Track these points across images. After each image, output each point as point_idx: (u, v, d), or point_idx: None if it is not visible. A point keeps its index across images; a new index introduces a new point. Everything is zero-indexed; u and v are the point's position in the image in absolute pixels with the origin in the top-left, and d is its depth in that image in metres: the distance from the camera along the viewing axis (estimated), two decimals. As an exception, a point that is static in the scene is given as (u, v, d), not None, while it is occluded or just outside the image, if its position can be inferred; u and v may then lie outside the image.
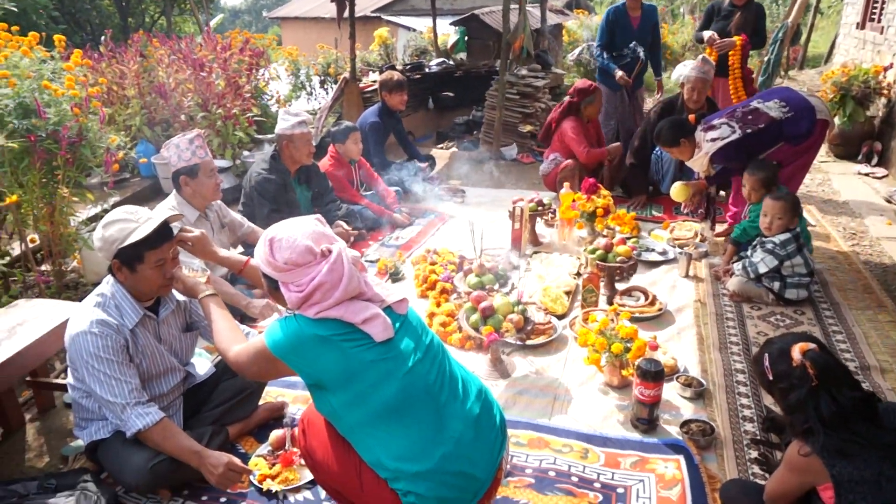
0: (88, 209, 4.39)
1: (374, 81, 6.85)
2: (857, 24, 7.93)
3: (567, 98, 5.02)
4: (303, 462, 2.11)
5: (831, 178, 5.66)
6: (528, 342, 2.94)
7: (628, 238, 3.82)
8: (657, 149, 4.83)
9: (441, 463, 1.65)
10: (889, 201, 4.98)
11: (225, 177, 5.08)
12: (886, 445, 1.60)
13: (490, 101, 6.71)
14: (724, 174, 3.98)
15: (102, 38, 6.03)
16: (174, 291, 2.23)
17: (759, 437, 2.33)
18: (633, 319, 3.04)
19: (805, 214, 3.92)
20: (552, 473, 2.20)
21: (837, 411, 1.64)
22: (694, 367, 2.80)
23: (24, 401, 2.73)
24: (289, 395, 2.71)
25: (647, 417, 2.38)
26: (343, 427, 1.72)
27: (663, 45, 11.34)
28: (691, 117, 4.32)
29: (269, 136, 6.12)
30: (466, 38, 8.77)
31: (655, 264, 3.86)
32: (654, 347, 2.63)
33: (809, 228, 3.79)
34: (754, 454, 2.25)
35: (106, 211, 3.26)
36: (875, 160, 5.89)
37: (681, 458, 2.24)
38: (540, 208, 4.24)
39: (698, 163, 3.83)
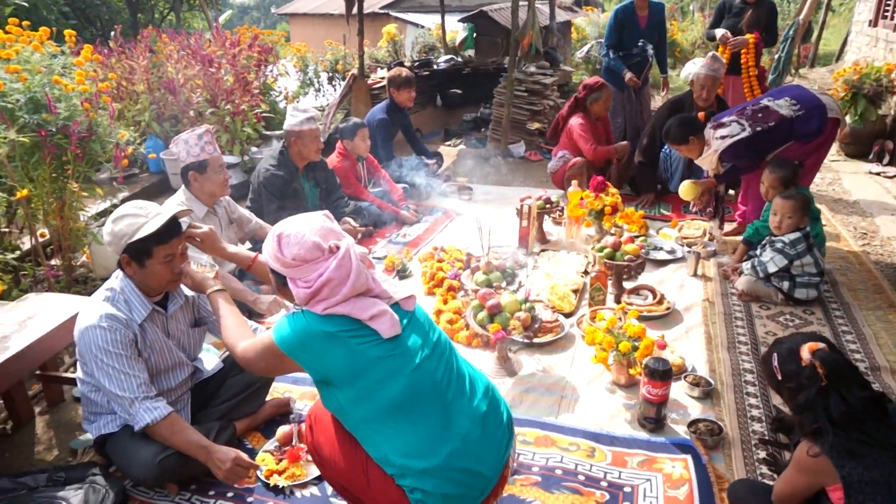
0: (98, 204, 4.41)
1: (383, 78, 6.85)
2: (870, 21, 7.86)
3: (575, 94, 5.01)
4: (310, 458, 2.12)
5: (842, 177, 5.62)
6: (535, 340, 2.94)
7: (636, 236, 3.80)
8: (666, 147, 4.81)
9: (448, 460, 1.65)
10: (900, 201, 4.94)
11: (233, 173, 5.10)
12: (896, 446, 1.59)
13: (498, 99, 6.69)
14: (733, 172, 3.96)
15: (112, 33, 6.06)
16: (182, 287, 2.24)
17: (767, 438, 2.32)
18: (641, 318, 3.02)
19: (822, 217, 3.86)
20: (559, 472, 2.19)
21: (847, 411, 1.62)
22: (702, 367, 2.79)
23: (34, 394, 2.75)
24: (296, 391, 2.71)
25: (655, 416, 2.37)
26: (350, 423, 1.73)
27: (673, 43, 11.32)
28: (701, 115, 4.30)
29: (278, 132, 6.14)
30: (475, 34, 8.76)
31: (663, 263, 3.84)
32: (662, 346, 2.62)
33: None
34: (762, 454, 2.24)
35: (115, 206, 3.26)
36: (886, 159, 5.84)
37: (688, 457, 2.23)
38: (548, 206, 4.23)
39: (707, 160, 3.81)
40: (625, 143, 5.06)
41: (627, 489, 2.11)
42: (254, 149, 5.87)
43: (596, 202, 3.98)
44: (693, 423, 2.38)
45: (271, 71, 6.89)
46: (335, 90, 8.32)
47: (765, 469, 2.17)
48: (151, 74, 5.58)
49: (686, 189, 4.05)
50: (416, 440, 1.66)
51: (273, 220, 3.35)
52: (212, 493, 2.15)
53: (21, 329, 2.36)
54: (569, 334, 3.07)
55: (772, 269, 3.27)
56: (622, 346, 2.55)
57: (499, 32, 8.36)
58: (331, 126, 6.33)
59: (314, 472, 2.14)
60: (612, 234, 3.73)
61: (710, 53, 4.59)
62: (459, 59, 8.27)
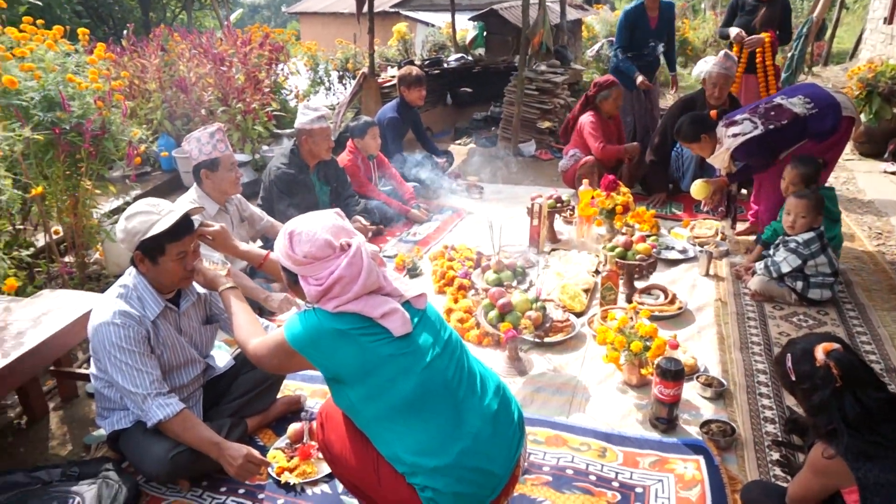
0: (111, 202, 4.45)
1: (393, 77, 6.85)
2: (885, 18, 7.77)
3: (585, 93, 5.00)
4: (320, 455, 2.12)
5: (856, 176, 5.56)
6: (546, 339, 2.93)
7: (648, 236, 3.78)
8: (677, 146, 4.78)
9: (459, 458, 1.65)
10: (916, 201, 4.88)
11: (244, 171, 5.12)
12: (913, 448, 1.57)
13: (508, 97, 6.68)
14: (745, 171, 3.92)
15: (125, 32, 6.09)
16: (195, 284, 2.25)
17: (780, 439, 2.30)
18: (653, 318, 3.00)
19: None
20: (570, 472, 2.19)
21: (862, 413, 1.61)
22: (714, 367, 2.77)
23: (48, 390, 2.77)
24: (307, 388, 2.72)
25: (667, 417, 2.35)
26: (361, 421, 1.73)
27: (684, 41, 11.25)
28: (713, 113, 4.27)
29: (288, 130, 6.16)
30: (485, 33, 8.74)
31: (675, 262, 3.82)
32: (675, 346, 2.61)
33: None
34: (776, 456, 2.22)
35: (128, 204, 3.29)
36: (902, 158, 5.78)
37: (701, 458, 2.21)
38: (558, 205, 4.22)
39: (719, 159, 3.78)
40: (635, 144, 5.02)
41: (639, 490, 2.10)
42: (265, 147, 5.89)
43: (607, 201, 3.96)
44: (705, 424, 2.36)
45: (282, 69, 6.91)
46: (345, 89, 8.33)
47: (778, 471, 2.16)
48: (163, 73, 5.62)
49: (698, 188, 4.02)
50: (427, 438, 1.66)
51: (284, 218, 3.36)
52: (223, 489, 2.16)
53: (36, 325, 2.38)
54: (580, 334, 3.06)
55: (785, 269, 3.24)
56: (634, 345, 2.53)
57: (509, 31, 8.34)
58: (341, 125, 6.34)
59: (325, 469, 2.14)
60: (623, 234, 3.71)
61: (723, 51, 4.55)
62: (470, 58, 8.25)
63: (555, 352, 2.94)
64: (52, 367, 2.67)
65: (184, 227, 2.07)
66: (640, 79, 5.28)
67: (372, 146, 4.60)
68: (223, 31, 6.80)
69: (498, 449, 1.73)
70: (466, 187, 5.27)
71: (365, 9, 6.84)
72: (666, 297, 3.31)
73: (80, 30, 3.73)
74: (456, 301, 3.30)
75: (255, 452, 2.03)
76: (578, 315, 3.22)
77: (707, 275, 3.64)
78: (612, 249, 3.39)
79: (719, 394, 2.56)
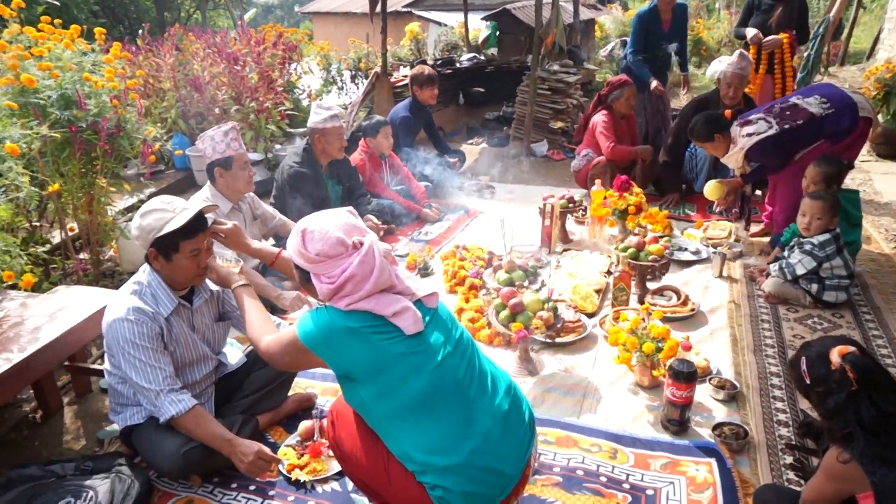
0: (125, 199, 4.49)
1: (405, 76, 6.86)
2: (904, 19, 7.66)
3: (598, 92, 4.98)
4: (331, 453, 2.13)
5: (873, 177, 5.49)
6: (558, 340, 2.92)
7: (661, 237, 3.76)
8: (691, 146, 4.75)
9: (469, 458, 1.64)
10: (934, 203, 4.81)
11: (257, 170, 5.14)
12: (930, 453, 1.55)
13: (521, 97, 6.66)
14: (760, 172, 3.89)
15: (140, 31, 6.16)
16: (208, 281, 2.26)
17: (794, 443, 2.27)
18: (665, 319, 2.98)
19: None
20: (580, 472, 2.18)
21: (878, 417, 1.59)
22: (727, 369, 2.75)
23: (62, 385, 2.80)
24: (318, 386, 2.73)
25: (679, 419, 2.34)
26: (372, 419, 1.73)
27: (698, 41, 11.15)
28: (727, 113, 4.23)
29: (301, 129, 6.18)
30: (498, 33, 8.73)
31: (688, 264, 3.79)
32: (687, 348, 2.59)
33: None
34: (789, 459, 2.20)
35: (142, 201, 3.31)
36: (920, 160, 5.70)
37: (713, 461, 2.19)
38: (571, 205, 4.20)
39: (733, 158, 3.75)
40: (648, 146, 4.97)
41: (650, 492, 2.08)
42: (277, 146, 5.92)
43: (620, 202, 3.94)
44: (718, 427, 2.34)
45: (295, 69, 6.94)
46: (358, 88, 8.35)
47: (791, 475, 2.13)
48: (178, 72, 5.66)
49: (711, 189, 3.99)
50: (437, 437, 1.66)
51: (296, 216, 3.38)
52: (234, 485, 2.17)
53: (51, 321, 2.40)
54: (591, 334, 3.04)
55: (800, 271, 3.21)
56: (646, 347, 2.52)
57: (522, 30, 8.32)
58: (353, 124, 6.35)
59: (335, 467, 2.15)
60: (635, 234, 3.68)
61: (738, 51, 4.51)
62: (482, 58, 8.24)
63: (566, 352, 2.93)
64: (66, 363, 2.69)
65: (198, 224, 2.08)
66: (654, 84, 5.24)
67: (384, 145, 4.60)
68: (237, 31, 6.84)
69: (508, 449, 1.72)
70: (478, 187, 5.26)
71: (378, 8, 6.86)
72: (678, 299, 3.28)
73: (97, 29, 3.77)
74: (467, 300, 3.30)
75: (267, 449, 2.03)
76: (590, 316, 3.20)
77: (720, 276, 3.62)
78: (625, 250, 3.37)
79: (732, 396, 2.54)
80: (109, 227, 3.58)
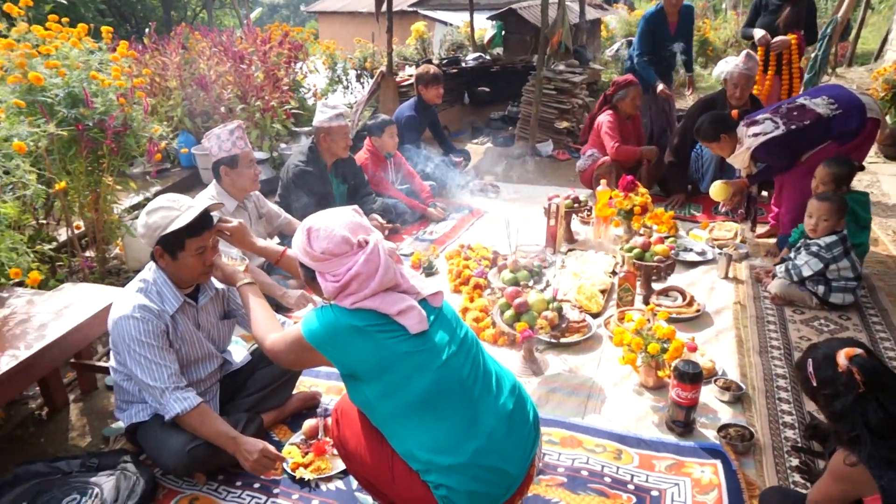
0: (131, 197, 4.51)
1: (411, 76, 6.86)
2: (912, 19, 7.61)
3: (604, 92, 4.97)
4: (335, 452, 2.13)
5: (881, 179, 5.46)
6: (562, 340, 2.91)
7: (666, 237, 3.75)
8: (697, 147, 4.73)
9: (473, 457, 1.64)
10: (942, 205, 4.78)
11: (262, 168, 5.15)
12: (938, 457, 1.54)
13: (526, 97, 6.66)
14: (766, 173, 3.87)
15: (146, 30, 6.17)
16: (213, 279, 2.27)
17: (800, 445, 2.26)
18: (670, 320, 2.98)
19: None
20: (585, 473, 2.17)
21: (886, 419, 1.58)
22: (733, 371, 2.74)
23: (68, 382, 2.82)
24: (322, 385, 2.73)
25: (684, 420, 2.33)
26: (376, 418, 1.73)
27: (705, 41, 11.12)
28: (734, 113, 4.22)
29: (306, 128, 6.19)
30: (503, 32, 8.72)
31: (693, 265, 3.78)
32: (693, 349, 2.58)
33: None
34: (795, 462, 2.18)
35: (148, 200, 3.32)
36: (928, 162, 5.66)
37: (718, 462, 2.19)
38: (576, 205, 4.19)
39: (739, 158, 3.73)
40: (653, 147, 4.95)
41: (655, 493, 2.08)
42: (283, 145, 5.93)
43: (625, 202, 3.93)
44: (723, 428, 2.33)
45: (301, 68, 6.95)
46: (363, 87, 8.36)
47: (797, 477, 2.12)
48: (184, 71, 5.67)
49: (717, 190, 3.98)
50: (441, 436, 1.66)
51: (301, 215, 3.38)
52: (239, 483, 2.17)
53: (57, 318, 2.41)
54: (596, 335, 3.03)
55: (806, 272, 3.19)
56: (651, 347, 2.51)
57: (528, 30, 8.31)
58: (359, 123, 6.36)
59: (339, 465, 2.15)
60: (641, 235, 3.68)
61: (745, 52, 4.49)
62: (488, 57, 8.24)
63: (571, 352, 2.92)
64: (72, 360, 2.70)
65: (203, 222, 2.09)
66: (660, 87, 5.22)
67: (389, 144, 4.60)
68: (243, 30, 6.85)
69: (513, 448, 1.72)
70: (483, 187, 5.26)
71: (384, 8, 6.86)
72: (684, 300, 3.27)
73: (104, 28, 3.78)
74: (471, 300, 3.29)
75: (271, 447, 2.04)
76: (595, 316, 3.20)
77: (726, 277, 3.60)
78: (630, 250, 3.36)
79: (737, 398, 2.53)
80: (115, 224, 3.59)
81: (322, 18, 20.06)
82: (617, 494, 2.07)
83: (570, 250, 4.02)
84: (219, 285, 2.33)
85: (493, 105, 8.09)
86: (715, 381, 2.60)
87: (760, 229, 4.24)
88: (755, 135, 3.60)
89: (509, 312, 2.76)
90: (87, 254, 3.72)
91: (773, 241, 4.03)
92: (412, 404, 1.66)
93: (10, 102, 2.87)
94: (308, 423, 2.36)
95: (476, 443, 1.65)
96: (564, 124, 6.60)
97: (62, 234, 3.71)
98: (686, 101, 7.44)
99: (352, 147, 4.19)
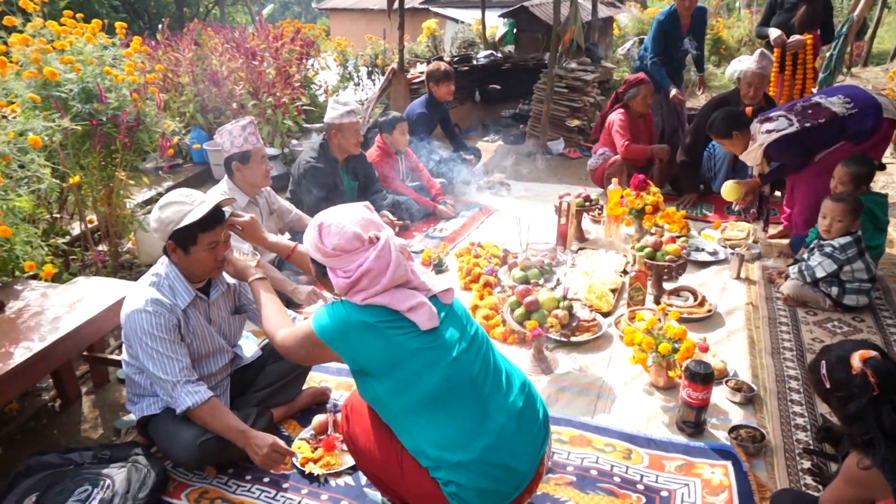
0: (143, 192, 4.54)
1: (422, 73, 6.86)
2: (930, 19, 7.51)
3: (616, 90, 4.94)
4: (345, 447, 2.14)
5: (896, 180, 5.40)
6: (572, 339, 2.90)
7: (678, 237, 3.72)
8: (710, 146, 4.70)
9: (483, 454, 1.64)
10: (959, 206, 4.71)
11: (273, 164, 5.17)
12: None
13: (538, 95, 6.63)
14: (778, 172, 3.84)
15: (159, 26, 6.20)
16: (225, 274, 2.28)
17: (812, 447, 2.24)
18: (681, 320, 2.96)
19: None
20: (594, 472, 2.16)
21: (900, 423, 1.56)
22: (744, 372, 2.72)
23: (81, 374, 2.84)
24: (332, 380, 2.74)
25: (694, 421, 2.31)
26: (386, 414, 1.73)
27: (718, 40, 11.04)
28: (748, 110, 4.18)
29: (317, 125, 6.20)
30: (515, 30, 8.69)
31: (705, 265, 3.75)
32: (705, 349, 2.56)
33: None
34: (807, 464, 2.17)
35: (160, 195, 3.33)
36: (944, 163, 5.59)
37: (728, 464, 2.17)
38: (587, 204, 4.18)
39: (751, 155, 3.70)
40: (664, 146, 4.92)
41: (664, 493, 2.07)
42: (294, 141, 5.95)
43: (636, 201, 3.91)
44: (734, 429, 2.32)
45: (312, 65, 6.96)
46: (374, 85, 8.36)
47: (809, 479, 2.10)
48: (196, 67, 5.70)
49: (729, 189, 3.94)
50: (451, 433, 1.66)
51: (312, 211, 3.38)
52: (248, 477, 2.18)
53: (71, 311, 2.43)
54: (606, 334, 3.02)
55: (820, 273, 3.16)
56: (662, 347, 2.49)
57: (540, 28, 8.28)
58: (370, 120, 6.37)
59: (349, 461, 2.16)
60: (652, 234, 3.66)
61: (759, 50, 4.45)
62: (499, 55, 8.21)
63: (581, 351, 2.91)
64: (85, 353, 2.73)
65: (215, 217, 2.10)
66: (673, 92, 5.17)
67: (400, 141, 4.60)
68: (255, 26, 6.88)
69: (522, 446, 1.72)
70: (493, 184, 5.25)
71: (395, 5, 6.85)
72: (695, 300, 3.25)
73: (118, 24, 3.80)
74: (481, 298, 3.29)
75: (281, 442, 2.05)
76: (605, 315, 3.18)
77: (738, 278, 3.58)
78: (641, 249, 3.34)
79: (749, 399, 2.51)
80: (128, 219, 3.61)
81: (333, 15, 20.08)
82: (626, 494, 2.07)
83: (580, 249, 4.01)
84: (230, 280, 2.34)
85: (504, 103, 8.07)
86: (726, 381, 2.58)
87: (773, 230, 4.20)
88: (768, 131, 3.57)
89: (519, 310, 2.76)
90: (100, 248, 3.75)
91: (785, 241, 3.99)
92: (422, 401, 1.66)
93: (26, 97, 2.90)
94: (318, 419, 2.37)
95: (486, 440, 1.65)
96: (576, 122, 6.57)
97: (75, 228, 3.74)
98: (698, 101, 7.39)
99: (362, 144, 4.19)
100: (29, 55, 3.10)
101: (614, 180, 4.27)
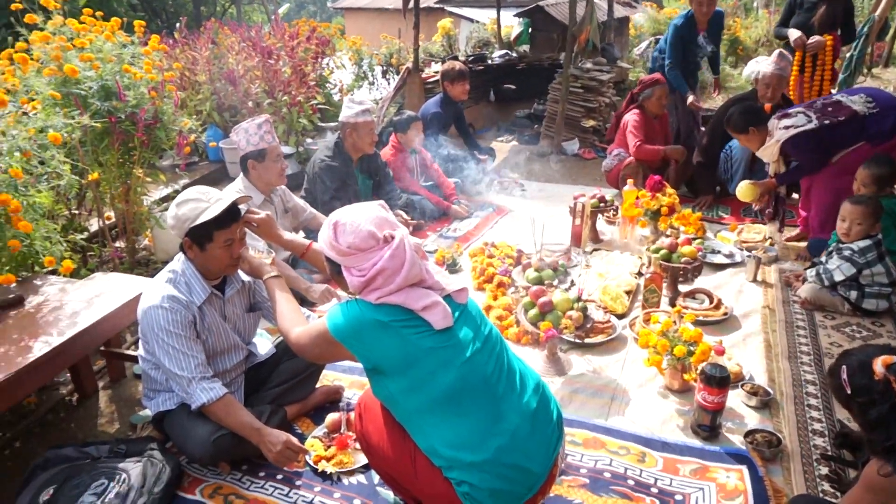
0: (160, 190, 4.58)
1: (436, 72, 6.86)
2: (953, 19, 7.39)
3: (630, 90, 4.91)
4: (358, 446, 2.14)
5: (917, 183, 5.31)
6: (587, 340, 2.88)
7: (693, 239, 3.69)
8: (726, 147, 4.65)
9: (496, 455, 1.64)
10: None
11: (288, 163, 5.19)
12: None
13: (553, 95, 6.60)
14: (795, 173, 3.79)
15: (177, 25, 6.26)
16: (240, 272, 2.29)
17: (830, 453, 2.21)
18: (697, 323, 2.93)
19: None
20: (607, 475, 2.15)
21: (922, 430, 1.53)
22: (760, 376, 2.69)
23: (98, 369, 2.87)
24: (345, 379, 2.75)
25: (710, 424, 2.29)
26: (400, 413, 1.73)
27: (735, 41, 10.93)
28: (767, 106, 4.13)
29: (332, 124, 6.23)
30: (530, 30, 8.66)
31: (721, 267, 3.72)
32: (721, 352, 2.53)
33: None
34: (824, 470, 2.14)
35: (177, 192, 3.36)
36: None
37: (744, 468, 2.15)
38: (602, 205, 4.15)
39: (768, 151, 3.66)
40: (678, 147, 4.86)
41: (679, 497, 2.05)
42: (309, 140, 5.97)
43: (652, 202, 3.88)
44: (750, 434, 2.29)
45: (327, 64, 6.99)
46: (389, 84, 8.38)
47: (827, 486, 2.07)
48: (213, 65, 5.74)
49: (744, 190, 3.90)
50: (465, 433, 1.65)
51: (327, 210, 3.39)
52: (262, 474, 2.19)
53: (89, 306, 2.46)
54: (620, 336, 3.00)
55: (838, 277, 3.12)
56: (677, 350, 2.47)
57: (555, 28, 8.25)
58: (384, 119, 6.38)
59: (362, 460, 2.16)
60: (667, 236, 3.62)
61: (777, 51, 4.40)
62: (514, 55, 8.19)
63: (595, 353, 2.90)
64: (102, 348, 2.76)
65: (231, 215, 2.11)
66: (690, 99, 5.12)
67: (415, 141, 4.61)
68: (271, 25, 6.92)
69: (536, 447, 1.71)
70: (508, 184, 5.23)
71: (410, 4, 6.86)
72: (711, 302, 3.22)
73: (136, 22, 3.84)
74: (495, 298, 3.28)
75: (294, 440, 2.06)
76: (620, 317, 3.16)
77: (754, 281, 3.54)
78: (657, 251, 3.32)
79: (765, 403, 2.48)
80: (145, 216, 3.65)
81: (349, 14, 20.15)
82: (640, 498, 2.05)
83: (595, 250, 3.99)
84: (245, 278, 2.36)
85: (518, 103, 8.04)
86: (742, 385, 2.55)
87: (790, 233, 4.15)
88: (786, 127, 3.53)
89: (533, 311, 2.74)
90: (117, 244, 3.79)
91: (803, 244, 3.94)
92: (436, 400, 1.66)
93: (46, 94, 2.94)
94: (331, 417, 2.37)
95: (499, 440, 1.65)
96: (591, 123, 6.54)
97: (93, 225, 3.78)
98: (714, 102, 7.32)
99: (377, 143, 4.20)
100: (49, 53, 3.14)
101: (630, 181, 4.24)
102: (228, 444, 2.08)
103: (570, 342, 2.91)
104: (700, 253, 3.34)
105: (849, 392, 1.69)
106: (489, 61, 7.89)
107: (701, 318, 3.06)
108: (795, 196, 4.50)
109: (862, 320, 3.11)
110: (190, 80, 5.74)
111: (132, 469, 2.03)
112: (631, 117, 4.77)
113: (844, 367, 1.71)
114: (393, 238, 1.68)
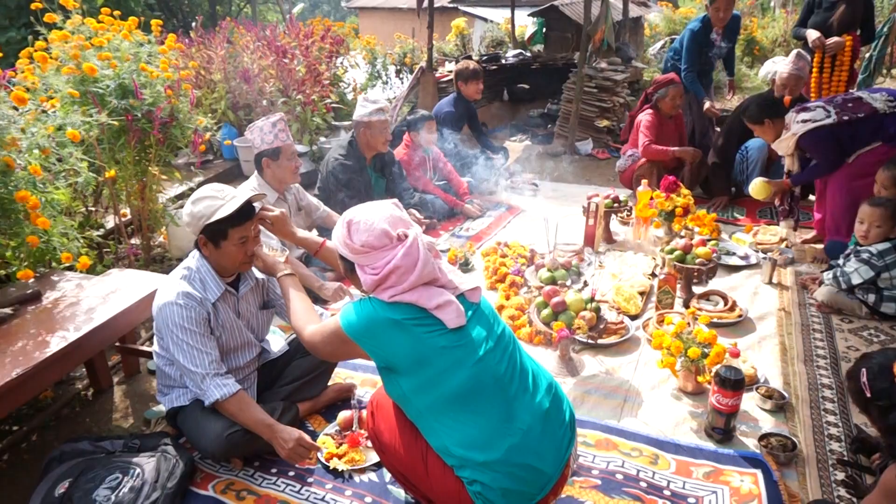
0: (175, 187, 4.62)
1: (450, 72, 6.86)
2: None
3: (645, 90, 4.88)
4: (369, 444, 2.15)
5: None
6: (600, 341, 2.87)
7: (708, 240, 3.65)
8: (742, 148, 4.61)
9: (508, 454, 1.63)
10: None
11: (302, 161, 5.21)
12: None
13: (567, 94, 6.58)
14: (810, 173, 3.75)
15: (193, 24, 6.30)
16: (254, 269, 2.30)
17: (846, 458, 2.18)
18: (711, 325, 2.91)
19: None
20: (619, 476, 2.14)
21: (943, 436, 1.51)
22: (775, 379, 2.66)
23: (113, 365, 2.90)
24: (357, 377, 2.75)
25: (724, 427, 2.27)
26: (412, 411, 1.73)
27: (752, 41, 10.82)
28: (786, 100, 4.08)
29: (346, 122, 6.25)
30: (545, 29, 8.64)
31: (736, 269, 3.68)
32: (735, 354, 2.51)
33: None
34: (841, 476, 2.11)
35: (192, 190, 3.38)
36: None
37: (758, 472, 2.12)
38: (615, 205, 4.13)
39: (784, 144, 3.62)
40: (688, 148, 4.80)
41: (691, 500, 2.03)
42: (322, 138, 6.00)
43: (666, 203, 3.85)
44: (764, 437, 2.27)
45: (341, 63, 7.01)
46: (402, 83, 8.39)
47: (843, 491, 2.04)
48: (228, 64, 5.78)
49: (758, 188, 3.86)
50: (476, 432, 1.65)
51: (340, 208, 3.41)
52: (274, 470, 2.20)
53: (104, 302, 2.48)
54: (634, 337, 2.98)
55: (856, 280, 3.07)
56: (691, 351, 2.45)
57: (569, 27, 8.22)
58: (398, 118, 6.39)
59: (373, 458, 2.16)
60: (682, 237, 3.60)
61: (795, 51, 4.34)
62: (528, 54, 8.17)
63: (608, 354, 2.88)
64: (117, 343, 2.78)
65: (245, 212, 2.12)
66: (707, 104, 5.07)
67: (428, 140, 4.61)
68: (286, 25, 6.95)
69: (548, 447, 1.70)
70: (521, 184, 5.22)
71: (424, 4, 6.87)
72: (725, 304, 3.19)
73: (153, 21, 3.87)
74: (507, 298, 3.27)
75: (307, 437, 2.06)
76: (633, 318, 3.14)
77: (770, 283, 3.50)
78: (671, 252, 3.29)
79: (780, 406, 2.45)
80: (160, 213, 3.68)
81: (363, 14, 20.22)
82: (653, 500, 2.03)
83: (608, 251, 3.97)
84: (259, 275, 2.37)
85: (532, 102, 8.03)
86: (756, 388, 2.53)
87: (805, 234, 4.10)
88: (804, 121, 3.50)
89: (546, 311, 2.73)
90: (133, 241, 3.82)
91: (819, 246, 3.89)
92: (448, 399, 1.66)
93: (65, 92, 2.97)
94: (343, 415, 2.38)
95: (511, 440, 1.64)
96: (605, 123, 6.51)
97: (109, 222, 3.82)
98: (730, 103, 7.25)
99: (390, 142, 4.20)
100: (68, 52, 3.18)
101: (644, 182, 4.21)
102: (241, 440, 2.09)
103: (582, 343, 2.90)
104: (715, 254, 3.31)
105: (868, 396, 1.67)
106: (503, 61, 7.88)
107: (715, 319, 3.03)
108: (811, 197, 4.45)
109: (880, 324, 3.07)
110: (205, 79, 5.79)
111: (146, 464, 2.04)
112: (644, 117, 4.73)
113: (864, 370, 1.70)
114: (406, 236, 1.69)
